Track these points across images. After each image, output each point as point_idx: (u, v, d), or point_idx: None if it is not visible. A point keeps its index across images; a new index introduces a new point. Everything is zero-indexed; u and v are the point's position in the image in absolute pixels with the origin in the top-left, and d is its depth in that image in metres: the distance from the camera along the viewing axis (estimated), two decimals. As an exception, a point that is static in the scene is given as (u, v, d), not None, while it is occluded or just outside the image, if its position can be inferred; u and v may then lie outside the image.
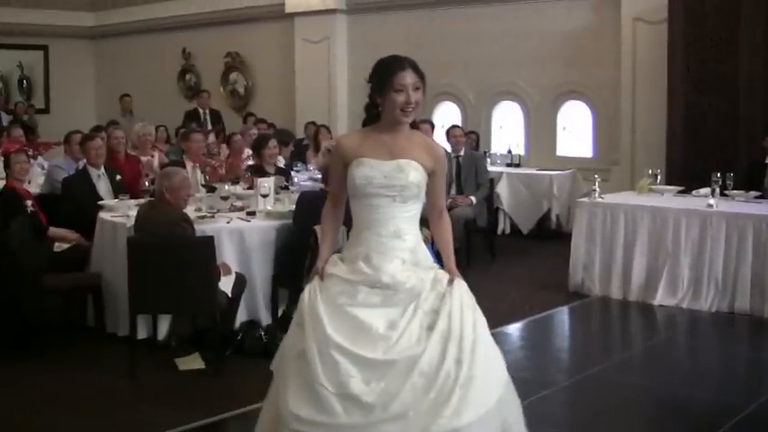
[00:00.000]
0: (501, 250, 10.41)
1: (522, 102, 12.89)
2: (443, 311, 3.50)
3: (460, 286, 3.63)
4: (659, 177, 9.30)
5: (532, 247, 10.99)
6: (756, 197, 8.54)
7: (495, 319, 7.05)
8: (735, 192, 8.53)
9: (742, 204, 8.23)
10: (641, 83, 11.40)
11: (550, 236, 11.32)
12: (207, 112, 14.80)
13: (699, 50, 10.55)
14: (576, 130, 12.56)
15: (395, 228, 3.64)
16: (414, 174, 3.64)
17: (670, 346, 7.36)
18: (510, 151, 12.53)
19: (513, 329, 7.40)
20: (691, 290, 7.94)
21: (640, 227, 8.23)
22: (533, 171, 11.95)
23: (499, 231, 11.39)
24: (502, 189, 11.49)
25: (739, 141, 10.20)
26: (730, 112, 10.34)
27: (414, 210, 3.71)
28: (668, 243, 8.06)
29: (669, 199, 8.69)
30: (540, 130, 12.74)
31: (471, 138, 11.73)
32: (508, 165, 12.25)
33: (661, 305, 8.00)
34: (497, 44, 12.76)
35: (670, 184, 9.31)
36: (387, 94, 3.63)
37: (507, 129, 13.12)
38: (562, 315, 8.08)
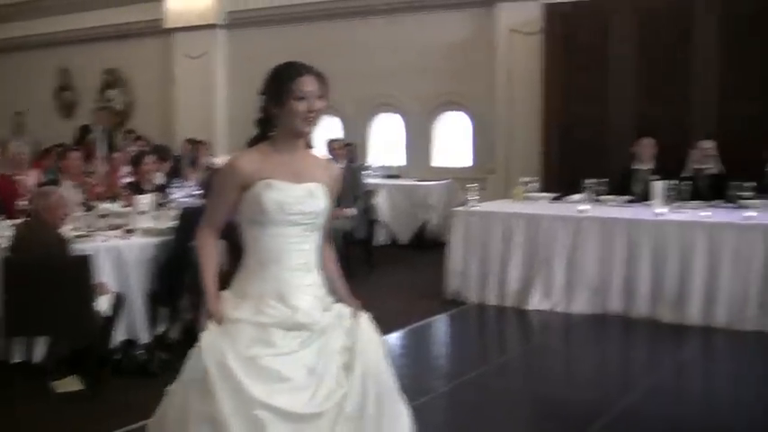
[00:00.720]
0: (379, 261, 10.42)
1: (401, 113, 12.99)
2: (357, 348, 3.25)
3: (365, 318, 3.34)
4: (534, 185, 9.47)
5: (411, 257, 11.08)
6: (628, 202, 8.76)
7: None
8: (607, 197, 8.74)
9: (614, 209, 8.42)
10: (517, 93, 11.62)
11: (428, 245, 11.39)
12: (101, 128, 14.41)
13: (573, 61, 10.82)
14: (453, 141, 12.71)
15: (305, 260, 3.29)
16: (324, 199, 3.31)
17: (545, 348, 7.48)
18: (389, 163, 12.59)
19: (393, 338, 7.37)
20: (565, 294, 8.07)
21: (515, 234, 8.33)
22: (412, 182, 12.04)
23: (378, 242, 11.42)
24: (381, 200, 11.53)
25: (611, 149, 10.48)
26: (602, 120, 10.63)
27: (318, 239, 3.35)
28: (542, 248, 8.19)
29: (543, 206, 8.84)
30: (419, 141, 12.87)
31: (349, 149, 11.73)
32: (387, 176, 12.31)
33: (536, 310, 8.11)
34: (376, 56, 12.83)
35: (546, 192, 9.49)
36: (286, 103, 3.24)
37: (386, 140, 13.19)
38: (440, 323, 8.11)
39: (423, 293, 8.90)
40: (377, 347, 3.33)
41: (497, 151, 11.82)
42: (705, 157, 9.09)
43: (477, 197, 8.84)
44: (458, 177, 11.93)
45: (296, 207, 3.24)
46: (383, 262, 10.47)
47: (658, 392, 5.91)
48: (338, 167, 3.70)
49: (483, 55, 12.05)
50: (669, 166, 9.04)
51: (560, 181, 10.15)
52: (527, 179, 9.48)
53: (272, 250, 3.25)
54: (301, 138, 3.34)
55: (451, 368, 6.86)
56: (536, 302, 8.16)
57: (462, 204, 9.11)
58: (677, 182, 8.35)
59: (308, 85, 3.27)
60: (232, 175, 3.30)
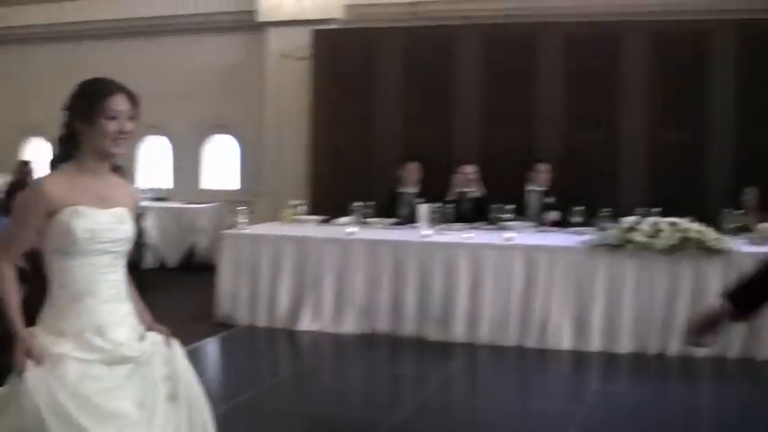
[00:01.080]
0: (148, 284, 10.10)
1: (170, 136, 12.82)
2: (177, 377, 3.18)
3: (177, 345, 3.29)
4: (303, 208, 9.57)
5: (180, 280, 10.93)
6: (394, 224, 9.01)
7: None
8: (374, 220, 8.96)
9: (380, 231, 8.64)
10: (286, 117, 11.72)
11: (198, 268, 11.29)
12: None
13: (340, 85, 11.04)
14: (223, 164, 12.67)
15: (117, 290, 3.14)
16: (131, 225, 3.19)
17: (316, 369, 7.57)
18: (157, 186, 12.40)
19: (162, 362, 7.26)
20: (334, 314, 8.20)
21: (285, 256, 8.39)
22: (180, 204, 11.89)
23: (146, 265, 11.20)
24: (149, 223, 11.32)
25: (378, 172, 10.77)
26: (369, 144, 10.93)
27: (124, 266, 3.20)
28: (311, 270, 8.29)
29: (312, 228, 8.95)
30: (188, 163, 12.75)
31: (118, 172, 11.46)
32: (155, 199, 12.11)
33: (307, 331, 8.19)
34: (145, 79, 12.37)
35: (314, 215, 9.60)
36: (95, 121, 3.04)
37: (155, 163, 12.99)
38: (211, 346, 8.04)
39: (193, 317, 8.78)
40: (192, 374, 3.26)
41: (266, 174, 11.88)
42: (468, 180, 9.52)
43: (246, 220, 8.85)
44: (227, 200, 11.90)
45: (106, 235, 3.09)
46: (152, 285, 10.19)
47: (426, 408, 6.13)
48: (138, 189, 3.54)
49: (253, 79, 12.09)
50: (434, 190, 9.39)
51: (328, 204, 10.28)
52: (296, 202, 9.58)
53: (84, 282, 3.06)
54: (108, 160, 3.16)
55: (224, 391, 6.79)
56: (306, 324, 8.24)
57: (231, 227, 9.10)
58: (442, 205, 8.68)
59: (120, 104, 3.09)
60: (36, 201, 3.06)
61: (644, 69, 10.25)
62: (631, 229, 7.65)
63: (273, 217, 10.19)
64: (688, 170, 10.09)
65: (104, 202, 3.12)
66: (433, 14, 11.05)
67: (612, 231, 7.74)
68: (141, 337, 3.18)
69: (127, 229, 3.17)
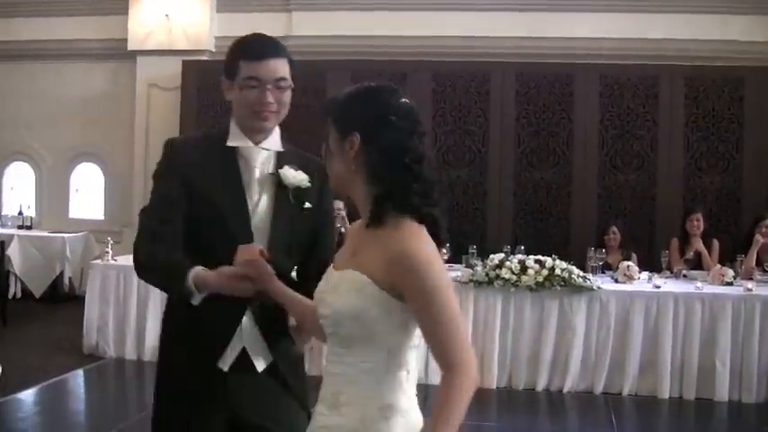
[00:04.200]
0: (12, 315, 10.09)
1: (35, 163, 12.67)
2: None
3: None
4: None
5: (46, 311, 10.80)
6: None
7: (8, 387, 6.94)
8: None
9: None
10: (154, 147, 11.67)
11: (64, 299, 11.22)
12: None
13: (209, 115, 11.10)
14: (89, 193, 12.58)
15: None
16: None
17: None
18: (21, 213, 12.23)
19: (28, 395, 7.23)
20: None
21: (152, 288, 8.39)
22: (45, 233, 11.75)
23: (10, 295, 11.05)
24: (13, 252, 11.16)
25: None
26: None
27: None
28: (181, 302, 8.34)
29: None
30: (54, 191, 12.59)
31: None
32: (19, 227, 11.95)
33: (175, 363, 8.25)
34: (10, 103, 12.45)
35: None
36: None
37: (18, 190, 12.80)
38: (77, 378, 8.05)
39: (59, 348, 8.78)
40: None
41: (134, 204, 11.83)
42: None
43: (112, 251, 8.85)
44: (94, 230, 11.85)
45: None
46: (16, 316, 10.15)
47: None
48: None
49: (123, 108, 12.05)
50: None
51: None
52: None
53: None
54: None
55: (91, 424, 6.86)
56: (174, 356, 8.29)
57: (99, 257, 9.09)
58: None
59: None
60: None
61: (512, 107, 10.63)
62: (499, 266, 7.99)
63: (141, 248, 10.20)
64: (554, 208, 10.51)
65: None
66: (305, 49, 11.22)
67: (480, 268, 8.04)
68: None
69: None
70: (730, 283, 8.10)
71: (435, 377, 2.88)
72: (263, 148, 3.04)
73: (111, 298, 8.57)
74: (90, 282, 8.73)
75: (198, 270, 2.76)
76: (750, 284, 7.92)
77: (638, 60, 10.57)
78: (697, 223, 9.07)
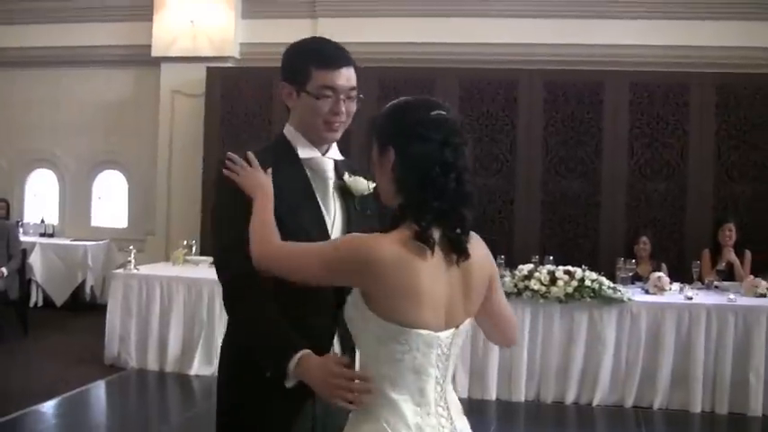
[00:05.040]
0: (34, 324, 10.01)
1: (58, 170, 12.62)
2: None
3: None
4: (194, 248, 9.54)
5: (67, 320, 10.71)
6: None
7: (29, 399, 6.86)
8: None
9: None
10: (178, 154, 11.66)
11: (85, 308, 11.14)
12: None
13: (234, 123, 11.02)
14: (112, 200, 12.52)
15: None
16: None
17: (208, 415, 7.50)
18: (43, 221, 12.19)
19: (49, 408, 7.14)
20: (226, 358, 8.17)
21: (176, 297, 8.36)
22: (67, 241, 11.70)
23: (32, 304, 11.00)
24: (35, 260, 11.11)
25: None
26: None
27: None
28: (203, 313, 8.26)
29: (203, 270, 8.88)
30: (76, 199, 12.54)
31: (1, 206, 11.32)
32: (41, 234, 11.91)
33: (198, 375, 8.17)
34: (34, 111, 12.39)
35: (205, 255, 9.55)
36: None
37: (41, 198, 12.76)
38: (99, 390, 7.95)
39: (80, 358, 8.69)
40: None
41: (157, 212, 11.78)
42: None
43: (135, 260, 8.76)
44: (116, 238, 11.78)
45: None
46: (38, 325, 10.07)
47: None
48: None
49: (146, 115, 11.99)
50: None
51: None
52: (187, 242, 9.54)
53: None
54: None
55: (112, 438, 6.77)
56: (197, 367, 8.21)
57: (121, 266, 9.01)
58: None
59: None
60: None
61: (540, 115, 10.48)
62: (528, 276, 7.85)
63: (165, 256, 10.14)
64: (582, 218, 10.35)
65: None
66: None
67: (508, 278, 7.87)
68: None
69: None
70: (764, 295, 7.93)
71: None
72: (332, 158, 2.93)
73: (133, 308, 8.47)
74: (112, 291, 8.62)
75: (305, 356, 2.54)
76: (784, 296, 7.78)
77: (667, 68, 10.40)
78: (729, 233, 8.91)
